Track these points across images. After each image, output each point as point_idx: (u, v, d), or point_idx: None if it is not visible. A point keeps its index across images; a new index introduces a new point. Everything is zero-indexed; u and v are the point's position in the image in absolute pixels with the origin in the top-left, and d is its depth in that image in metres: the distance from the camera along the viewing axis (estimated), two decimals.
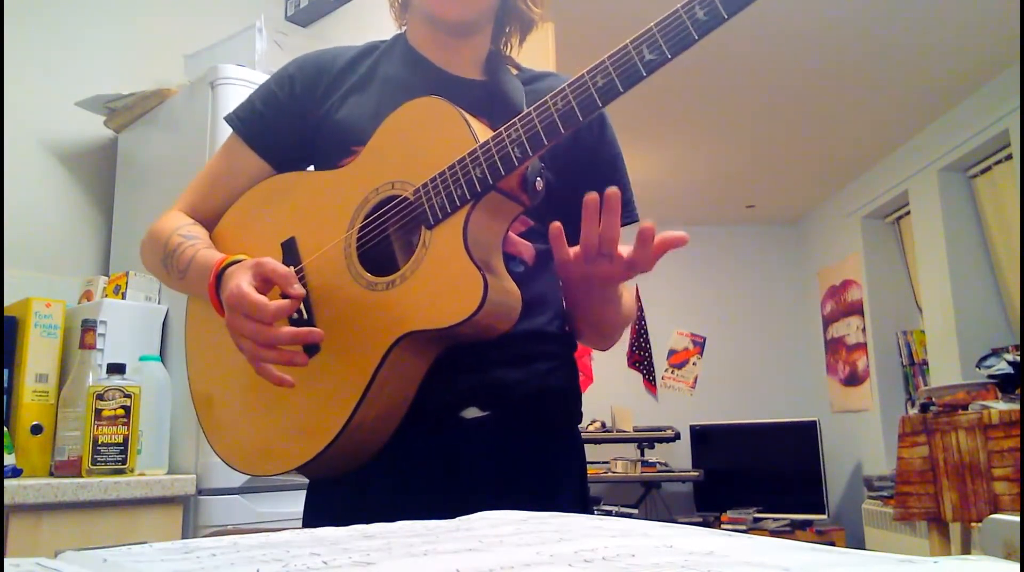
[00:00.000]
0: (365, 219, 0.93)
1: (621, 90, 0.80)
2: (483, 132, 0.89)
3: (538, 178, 0.89)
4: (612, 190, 0.84)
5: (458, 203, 0.86)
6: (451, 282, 0.84)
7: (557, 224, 0.87)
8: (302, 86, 1.06)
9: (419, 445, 0.95)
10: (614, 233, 0.86)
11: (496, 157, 0.84)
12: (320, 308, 0.94)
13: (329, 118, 1.04)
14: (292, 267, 0.96)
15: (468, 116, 0.89)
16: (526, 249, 0.98)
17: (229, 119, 1.10)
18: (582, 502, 1.05)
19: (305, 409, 0.92)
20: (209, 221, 1.08)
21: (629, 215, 1.10)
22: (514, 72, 1.11)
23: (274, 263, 0.89)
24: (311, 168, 1.09)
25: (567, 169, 1.02)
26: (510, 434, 0.98)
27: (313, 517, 1.02)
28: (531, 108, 0.84)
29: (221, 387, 1.02)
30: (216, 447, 1.00)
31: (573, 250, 0.89)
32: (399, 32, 1.14)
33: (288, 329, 0.87)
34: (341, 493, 0.98)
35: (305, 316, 0.94)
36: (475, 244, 0.85)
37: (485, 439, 0.96)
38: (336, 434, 0.87)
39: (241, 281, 0.87)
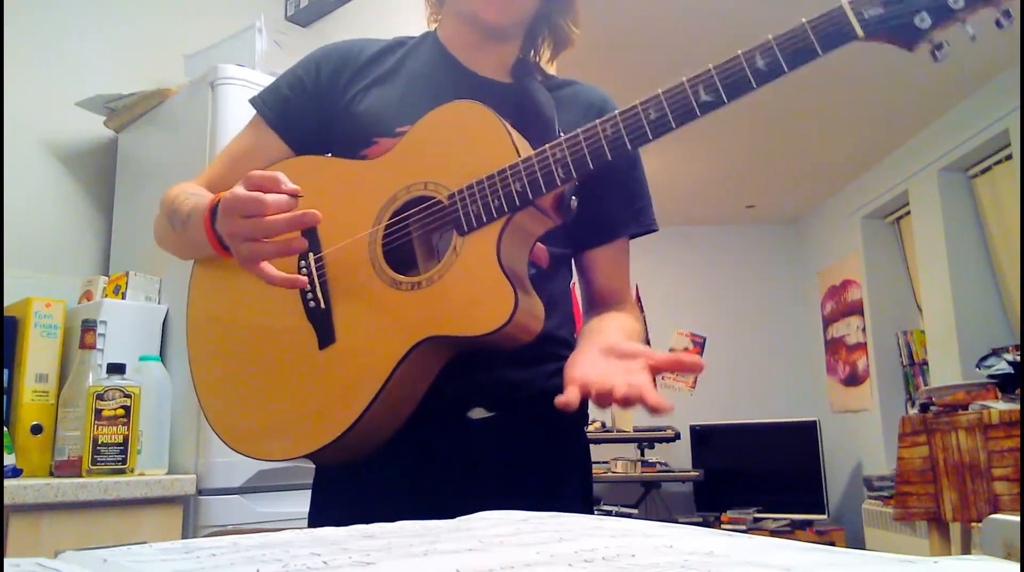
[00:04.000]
0: (393, 216, 0.92)
1: (674, 126, 0.81)
2: (523, 145, 0.89)
3: (573, 197, 0.90)
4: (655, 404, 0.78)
5: (495, 214, 0.86)
6: (481, 292, 0.84)
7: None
8: (328, 73, 1.07)
9: (426, 444, 0.95)
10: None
11: (538, 173, 0.84)
12: (339, 299, 0.93)
13: (352, 107, 1.04)
14: (311, 254, 0.96)
15: (510, 127, 0.89)
16: (541, 253, 0.98)
17: (254, 101, 1.10)
18: (586, 502, 1.05)
19: (314, 399, 0.92)
20: None
21: (644, 225, 1.10)
22: (539, 78, 1.12)
23: (260, 171, 0.87)
24: (329, 155, 1.08)
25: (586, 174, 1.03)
26: (516, 434, 0.98)
27: (320, 515, 1.02)
28: (579, 130, 0.84)
29: (226, 368, 1.01)
30: (217, 428, 0.98)
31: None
32: (428, 30, 1.14)
33: (285, 214, 0.84)
34: (348, 490, 0.98)
35: (323, 305, 0.94)
36: (507, 256, 0.86)
37: (491, 439, 0.96)
38: (349, 426, 0.87)
39: (234, 189, 0.87)
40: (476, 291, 0.85)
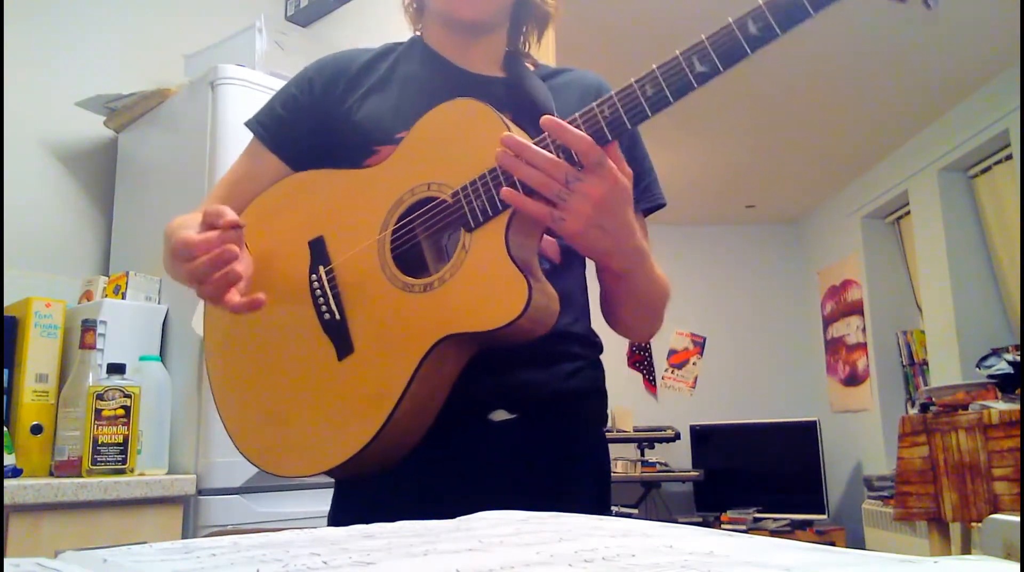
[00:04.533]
0: (400, 220, 0.92)
1: (671, 100, 0.81)
2: (522, 136, 0.88)
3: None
4: (542, 119, 0.83)
5: (500, 207, 0.85)
6: (494, 285, 0.84)
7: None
8: (322, 88, 1.06)
9: (446, 446, 0.94)
10: (579, 144, 0.81)
11: None
12: (353, 309, 0.93)
13: (350, 118, 1.03)
14: (322, 267, 0.96)
15: (508, 120, 0.88)
16: (551, 247, 0.98)
17: (250, 124, 1.10)
18: (603, 502, 1.05)
19: (338, 411, 0.91)
20: None
21: (652, 199, 1.09)
22: (532, 68, 1.11)
23: (213, 206, 0.89)
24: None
25: None
26: (536, 436, 0.97)
27: (341, 517, 1.02)
28: (577, 115, 0.84)
29: (244, 385, 1.01)
30: (240, 447, 0.98)
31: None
32: (415, 35, 1.14)
33: (205, 257, 0.86)
34: (368, 494, 0.98)
35: (337, 316, 0.93)
36: (516, 248, 0.85)
37: (511, 441, 0.96)
38: (372, 436, 0.86)
39: (185, 231, 0.89)
40: (489, 285, 0.84)
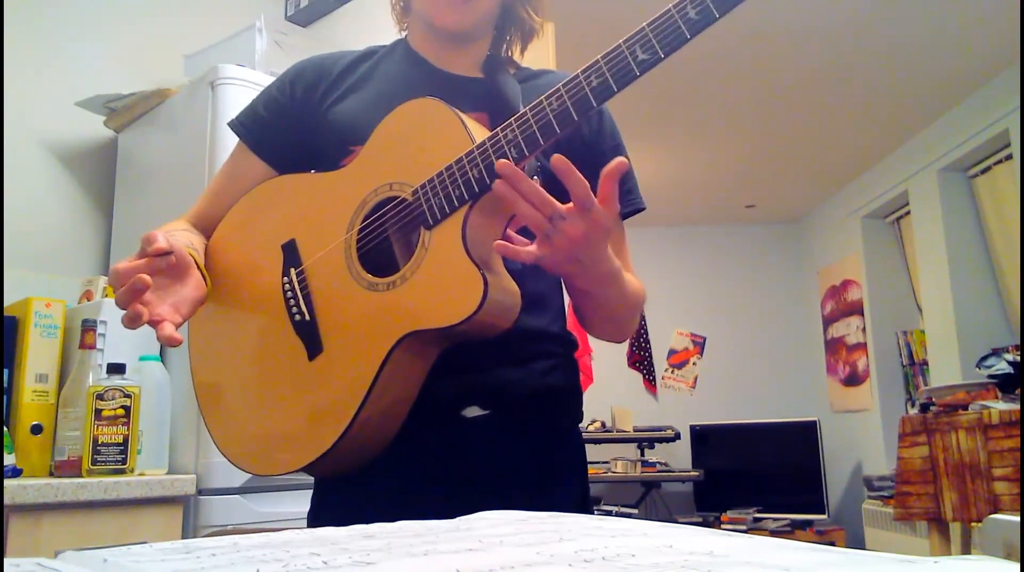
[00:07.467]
0: (364, 220, 0.93)
1: (615, 89, 0.81)
2: (480, 132, 0.89)
3: (535, 177, 0.89)
4: (553, 158, 0.80)
5: (456, 203, 0.86)
6: (451, 282, 0.85)
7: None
8: (303, 89, 1.08)
9: (421, 444, 0.95)
10: (577, 189, 0.80)
11: (493, 157, 0.84)
12: (323, 309, 0.95)
13: (328, 119, 1.05)
14: (293, 269, 0.97)
15: (464, 117, 0.89)
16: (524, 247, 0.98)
17: (233, 125, 1.11)
18: (583, 501, 1.05)
19: (309, 409, 0.93)
20: (215, 227, 1.09)
21: (632, 203, 1.10)
22: (511, 71, 1.12)
23: (148, 233, 0.90)
24: (312, 170, 1.09)
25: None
26: (510, 433, 0.98)
27: (318, 517, 1.03)
28: (527, 108, 0.84)
29: (225, 388, 1.03)
30: (222, 448, 1.00)
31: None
32: (400, 37, 1.15)
33: (123, 288, 0.84)
34: (346, 492, 0.99)
35: (307, 317, 0.95)
36: (474, 243, 0.86)
37: (486, 438, 0.96)
38: (340, 434, 0.88)
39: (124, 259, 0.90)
40: (447, 281, 0.85)
